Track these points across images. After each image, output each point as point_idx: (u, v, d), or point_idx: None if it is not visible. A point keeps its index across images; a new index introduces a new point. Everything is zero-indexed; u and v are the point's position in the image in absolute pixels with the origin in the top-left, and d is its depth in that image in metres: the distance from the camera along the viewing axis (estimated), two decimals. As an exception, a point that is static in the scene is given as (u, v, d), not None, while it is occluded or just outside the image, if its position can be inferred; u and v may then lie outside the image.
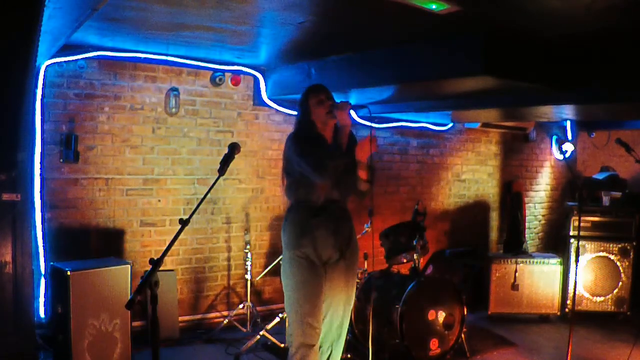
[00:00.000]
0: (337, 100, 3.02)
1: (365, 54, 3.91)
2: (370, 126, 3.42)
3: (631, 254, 5.33)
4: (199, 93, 4.66)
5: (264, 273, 4.77)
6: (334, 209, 3.00)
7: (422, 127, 6.11)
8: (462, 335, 4.11)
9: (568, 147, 7.11)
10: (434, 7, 2.73)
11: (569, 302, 5.31)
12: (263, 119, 5.00)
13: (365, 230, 4.37)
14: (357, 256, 3.19)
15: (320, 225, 2.94)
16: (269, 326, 4.22)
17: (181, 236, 2.12)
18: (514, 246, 6.48)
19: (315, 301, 2.93)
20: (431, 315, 3.96)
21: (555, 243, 6.92)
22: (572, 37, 3.24)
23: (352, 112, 5.39)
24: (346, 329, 3.16)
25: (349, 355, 4.03)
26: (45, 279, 3.94)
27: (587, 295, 5.34)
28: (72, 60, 4.00)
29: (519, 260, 5.25)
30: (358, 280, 4.28)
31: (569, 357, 3.63)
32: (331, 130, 3.06)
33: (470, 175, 6.67)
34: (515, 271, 5.22)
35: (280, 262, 3.12)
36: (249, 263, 4.60)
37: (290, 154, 2.98)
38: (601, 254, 5.35)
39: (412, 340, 3.87)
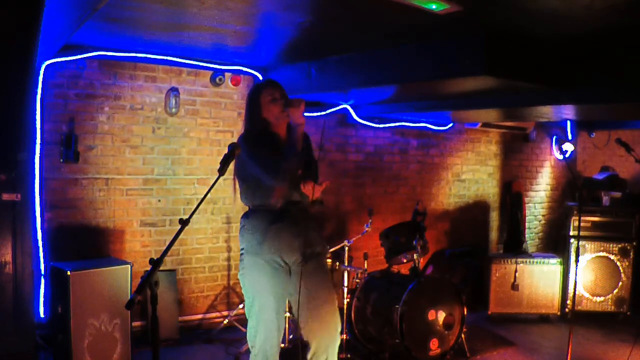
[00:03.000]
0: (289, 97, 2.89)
1: (365, 54, 3.90)
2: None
3: (631, 254, 5.32)
4: (199, 93, 4.66)
5: (264, 273, 4.77)
6: (295, 211, 2.88)
7: (422, 127, 6.11)
8: (462, 335, 4.11)
9: (568, 147, 7.12)
10: (434, 7, 2.73)
11: (569, 302, 5.31)
12: (263, 119, 4.99)
13: (365, 230, 4.37)
14: (325, 253, 3.07)
15: (283, 230, 2.83)
16: (269, 326, 4.21)
17: (181, 236, 2.12)
18: (514, 246, 6.48)
19: (277, 307, 2.86)
20: (431, 315, 3.96)
21: (555, 243, 6.92)
22: (572, 37, 3.24)
23: (352, 111, 5.38)
24: (337, 330, 2.98)
25: (348, 355, 4.03)
26: (45, 279, 3.94)
27: (587, 295, 5.34)
28: (72, 60, 4.00)
29: (519, 260, 5.25)
30: (357, 280, 4.28)
31: (569, 357, 3.63)
32: (284, 129, 2.91)
33: (470, 175, 6.67)
34: (515, 271, 5.21)
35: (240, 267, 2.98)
36: (249, 263, 4.59)
37: (243, 157, 2.79)
38: (601, 254, 5.35)
39: (412, 340, 3.87)
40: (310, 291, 2.92)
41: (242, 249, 2.95)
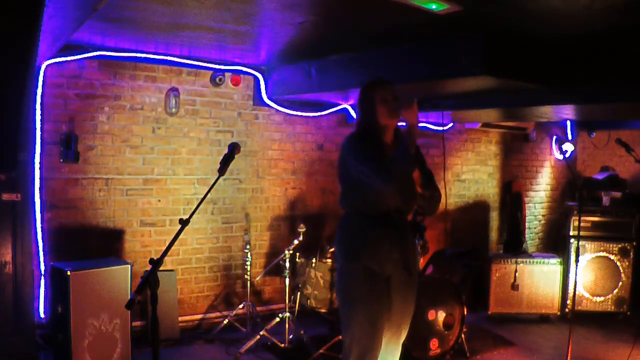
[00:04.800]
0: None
1: (365, 54, 3.91)
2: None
3: (631, 254, 5.32)
4: (199, 93, 4.66)
5: (263, 273, 4.77)
6: (398, 219, 2.74)
7: (422, 127, 6.10)
8: (462, 335, 4.11)
9: (568, 147, 7.11)
10: (434, 7, 2.73)
11: (569, 302, 5.31)
12: (263, 119, 5.00)
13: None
14: (418, 273, 2.91)
15: (383, 238, 2.69)
16: (269, 326, 4.21)
17: (181, 236, 2.12)
18: (514, 246, 6.47)
19: (376, 321, 2.68)
20: (431, 315, 3.96)
21: (555, 243, 6.92)
22: (572, 37, 3.24)
23: (352, 111, 5.36)
24: (400, 348, 2.90)
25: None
26: (45, 279, 3.94)
27: (587, 295, 5.34)
28: (72, 60, 4.00)
29: (519, 260, 5.25)
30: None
31: (569, 357, 3.63)
32: (392, 132, 2.81)
33: (470, 175, 6.67)
34: (515, 271, 5.21)
35: (338, 273, 2.84)
36: (248, 263, 4.60)
37: (348, 160, 2.72)
38: (601, 254, 5.35)
39: (412, 340, 3.86)
40: (398, 307, 2.81)
41: (340, 256, 2.80)
